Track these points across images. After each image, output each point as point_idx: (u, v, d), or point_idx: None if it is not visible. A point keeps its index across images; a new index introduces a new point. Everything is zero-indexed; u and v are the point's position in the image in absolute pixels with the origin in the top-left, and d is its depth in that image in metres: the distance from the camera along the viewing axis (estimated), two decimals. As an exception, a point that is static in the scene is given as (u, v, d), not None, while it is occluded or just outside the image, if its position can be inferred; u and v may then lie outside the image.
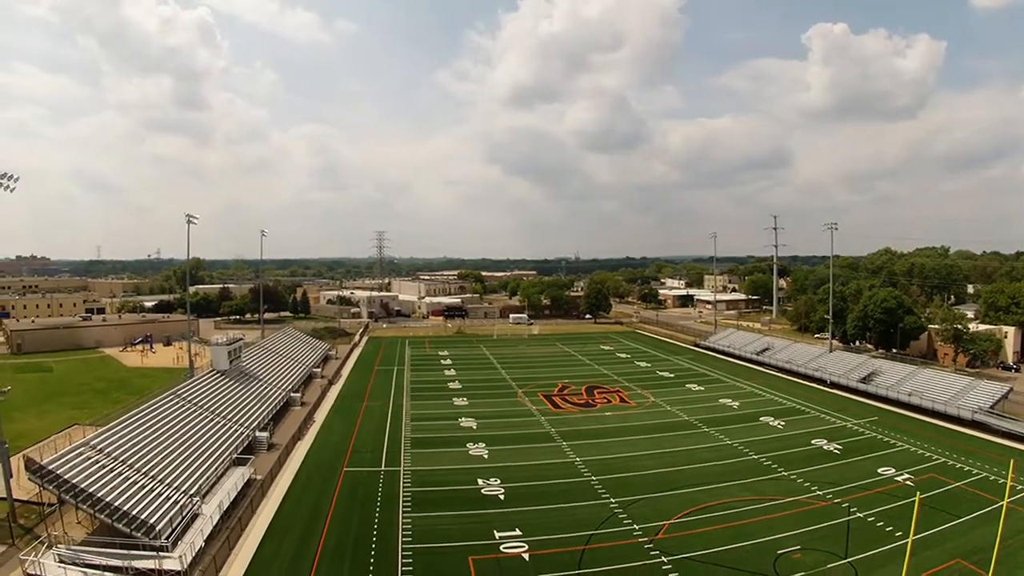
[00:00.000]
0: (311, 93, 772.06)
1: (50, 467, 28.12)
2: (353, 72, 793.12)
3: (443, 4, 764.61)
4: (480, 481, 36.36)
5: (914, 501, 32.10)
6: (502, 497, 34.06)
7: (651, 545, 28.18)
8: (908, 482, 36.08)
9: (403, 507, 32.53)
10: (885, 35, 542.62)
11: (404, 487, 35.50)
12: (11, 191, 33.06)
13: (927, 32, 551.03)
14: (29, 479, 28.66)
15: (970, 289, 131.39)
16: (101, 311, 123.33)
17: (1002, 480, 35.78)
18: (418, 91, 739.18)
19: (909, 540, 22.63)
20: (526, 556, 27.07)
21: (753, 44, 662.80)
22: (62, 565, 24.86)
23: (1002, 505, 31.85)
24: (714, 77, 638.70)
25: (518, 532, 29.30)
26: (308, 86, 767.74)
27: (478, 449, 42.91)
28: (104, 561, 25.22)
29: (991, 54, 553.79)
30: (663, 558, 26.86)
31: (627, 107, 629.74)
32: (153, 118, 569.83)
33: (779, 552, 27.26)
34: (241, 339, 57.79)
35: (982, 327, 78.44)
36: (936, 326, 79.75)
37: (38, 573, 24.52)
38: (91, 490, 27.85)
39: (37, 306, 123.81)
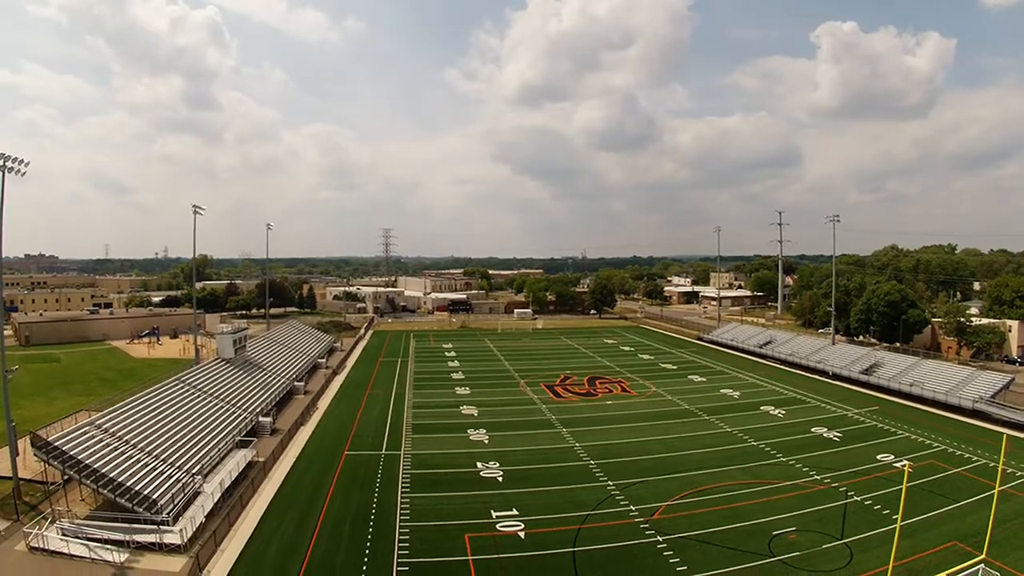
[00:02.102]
0: (320, 92, 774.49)
1: (56, 444, 28.78)
2: (362, 71, 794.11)
3: (451, 3, 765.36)
4: (479, 464, 36.71)
5: (913, 486, 32.31)
6: (500, 479, 34.38)
7: (647, 525, 28.38)
8: (907, 468, 36.09)
9: (402, 488, 32.92)
10: (895, 33, 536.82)
11: (404, 469, 35.91)
12: (22, 175, 33.57)
13: (937, 30, 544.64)
14: (35, 455, 29.29)
15: (976, 286, 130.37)
16: (108, 306, 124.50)
17: (1001, 466, 35.82)
18: (427, 90, 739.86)
19: (898, 520, 22.65)
20: (522, 534, 27.34)
21: (762, 42, 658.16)
22: (65, 539, 25.48)
23: (1001, 490, 31.95)
24: (723, 75, 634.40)
25: (515, 512, 29.59)
26: (317, 85, 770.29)
27: (478, 434, 43.26)
28: (106, 535, 25.80)
29: (1001, 52, 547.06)
30: (658, 537, 27.06)
31: (636, 106, 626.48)
32: (163, 118, 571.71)
33: (775, 533, 27.38)
34: (246, 329, 58.42)
35: (985, 321, 77.90)
36: (939, 319, 79.33)
37: (41, 546, 25.18)
38: (95, 466, 28.48)
39: (45, 301, 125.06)
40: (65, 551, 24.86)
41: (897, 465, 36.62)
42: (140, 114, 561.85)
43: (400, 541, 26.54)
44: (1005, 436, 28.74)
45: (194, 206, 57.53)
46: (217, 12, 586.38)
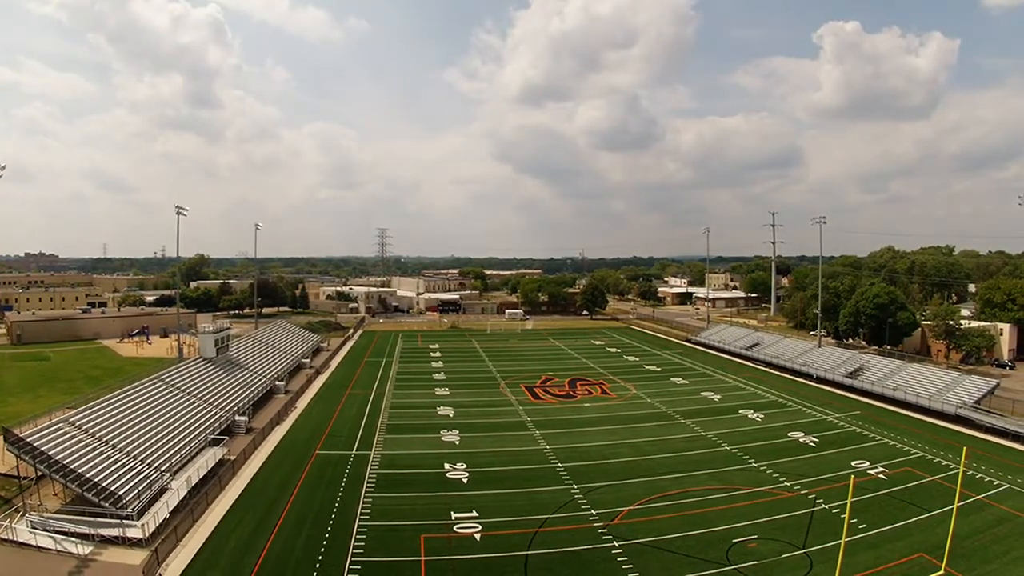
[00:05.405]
0: (322, 91, 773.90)
1: (27, 440, 29.29)
2: (364, 70, 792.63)
3: (453, 1, 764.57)
4: (447, 465, 36.89)
5: (885, 495, 32.19)
6: (465, 481, 34.57)
7: (605, 530, 28.29)
8: (881, 475, 35.73)
9: (367, 487, 33.19)
10: (898, 33, 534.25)
11: (372, 469, 36.17)
12: (-4, 178, 33.94)
13: (940, 30, 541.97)
14: (8, 450, 29.80)
15: (972, 288, 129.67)
16: (103, 305, 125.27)
17: (979, 475, 35.56)
18: (428, 89, 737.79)
19: (843, 534, 21.89)
20: (478, 536, 27.47)
21: (764, 42, 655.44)
22: (33, 531, 26.08)
23: (976, 500, 31.77)
24: (725, 75, 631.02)
25: (474, 514, 29.73)
26: (319, 84, 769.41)
27: (451, 436, 43.47)
28: (73, 528, 26.35)
29: (1005, 53, 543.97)
30: (615, 543, 26.91)
31: (638, 105, 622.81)
32: (165, 116, 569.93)
33: (734, 541, 26.98)
34: (228, 328, 58.83)
35: (975, 323, 77.51)
36: (929, 322, 78.98)
37: (10, 538, 25.79)
38: (64, 461, 29.03)
39: (40, 300, 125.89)
40: (33, 543, 25.45)
41: (871, 472, 36.15)
42: (141, 112, 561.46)
43: (356, 541, 26.79)
44: (965, 449, 28.28)
45: (177, 207, 58.09)
46: (219, 10, 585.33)
